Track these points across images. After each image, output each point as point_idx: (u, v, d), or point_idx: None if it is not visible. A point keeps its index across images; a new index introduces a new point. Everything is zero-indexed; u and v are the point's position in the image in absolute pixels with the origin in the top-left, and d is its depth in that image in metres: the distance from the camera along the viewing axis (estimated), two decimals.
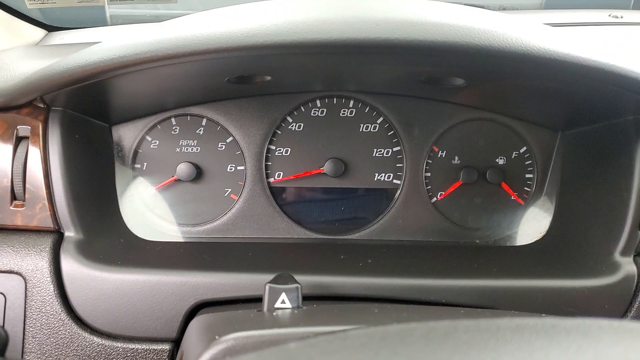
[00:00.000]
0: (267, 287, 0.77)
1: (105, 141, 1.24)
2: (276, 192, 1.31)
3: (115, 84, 1.04)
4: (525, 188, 1.31)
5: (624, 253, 1.02)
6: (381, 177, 1.32)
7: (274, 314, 0.73)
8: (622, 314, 0.99)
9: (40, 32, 1.68)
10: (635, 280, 0.99)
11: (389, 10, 0.82)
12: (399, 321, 0.72)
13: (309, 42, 0.80)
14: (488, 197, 1.31)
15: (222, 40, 0.84)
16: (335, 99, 1.30)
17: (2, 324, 0.97)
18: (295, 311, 0.74)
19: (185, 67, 0.96)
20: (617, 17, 1.63)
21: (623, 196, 1.03)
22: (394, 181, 1.31)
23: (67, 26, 1.73)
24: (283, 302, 0.76)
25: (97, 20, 1.76)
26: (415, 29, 0.79)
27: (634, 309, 0.99)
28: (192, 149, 1.29)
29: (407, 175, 1.30)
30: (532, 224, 1.26)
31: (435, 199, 1.31)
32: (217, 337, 0.64)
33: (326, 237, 1.30)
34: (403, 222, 1.30)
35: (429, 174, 1.31)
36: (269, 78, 1.09)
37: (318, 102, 1.30)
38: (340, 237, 1.30)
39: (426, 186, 1.31)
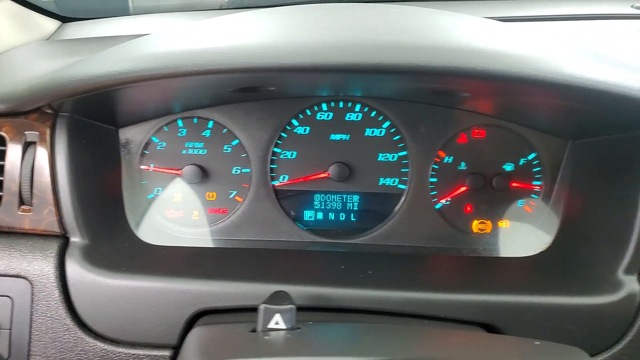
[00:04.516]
0: (261, 308, 0.78)
1: (112, 144, 1.25)
2: (281, 195, 1.32)
3: (122, 93, 1.04)
4: (532, 196, 1.29)
5: (628, 271, 1.00)
6: (386, 181, 1.31)
7: (265, 337, 0.74)
8: (623, 334, 0.98)
9: (54, 24, 1.68)
10: (638, 300, 0.98)
11: (398, 32, 0.81)
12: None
13: (323, 65, 0.79)
14: (494, 205, 1.30)
15: (239, 60, 0.82)
16: (341, 103, 1.29)
17: (9, 327, 1.01)
18: (289, 334, 0.75)
19: (190, 81, 0.95)
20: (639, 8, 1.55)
21: (629, 212, 1.01)
22: (399, 186, 1.31)
23: (82, 16, 1.72)
24: (277, 323, 0.77)
25: (119, 9, 1.76)
26: (421, 53, 0.78)
27: (635, 329, 0.97)
28: (198, 151, 1.30)
29: (412, 180, 1.30)
30: (537, 235, 1.25)
31: (440, 205, 1.30)
32: None
33: (330, 240, 1.31)
34: (407, 227, 1.30)
35: (434, 180, 1.30)
36: (273, 88, 1.09)
37: (324, 105, 1.29)
38: (344, 242, 1.31)
39: (431, 192, 1.30)
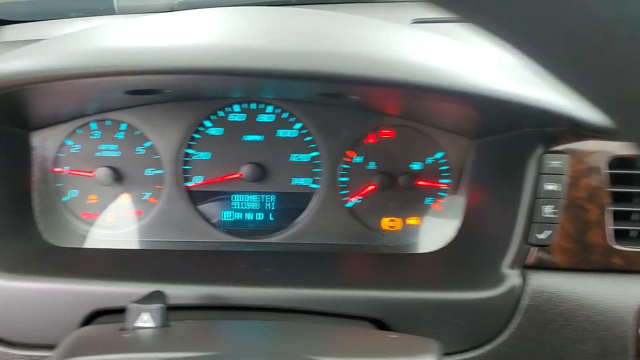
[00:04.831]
0: (130, 307, 0.80)
1: (22, 147, 1.25)
2: (195, 196, 1.34)
3: (27, 95, 1.05)
4: (441, 194, 1.33)
5: (512, 266, 1.04)
6: (299, 181, 1.34)
7: (125, 335, 0.76)
8: (503, 327, 1.01)
9: None
10: (518, 293, 1.01)
11: (275, 37, 0.84)
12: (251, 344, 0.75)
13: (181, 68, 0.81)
14: (403, 203, 1.33)
15: (106, 64, 0.83)
16: (253, 105, 1.32)
17: None
18: (152, 332, 0.77)
19: (75, 85, 0.97)
20: None
21: (513, 209, 1.05)
22: (312, 186, 1.34)
23: (22, 19, 1.70)
24: (144, 321, 0.79)
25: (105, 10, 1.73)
26: (281, 58, 0.80)
27: (517, 322, 1.01)
28: (112, 153, 1.32)
29: (323, 180, 1.32)
30: (444, 232, 1.28)
31: (351, 203, 1.33)
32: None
33: (243, 240, 1.33)
34: (319, 226, 1.33)
35: (345, 179, 1.33)
36: (169, 91, 1.11)
37: (236, 107, 1.32)
38: (257, 241, 1.33)
39: (342, 191, 1.33)
